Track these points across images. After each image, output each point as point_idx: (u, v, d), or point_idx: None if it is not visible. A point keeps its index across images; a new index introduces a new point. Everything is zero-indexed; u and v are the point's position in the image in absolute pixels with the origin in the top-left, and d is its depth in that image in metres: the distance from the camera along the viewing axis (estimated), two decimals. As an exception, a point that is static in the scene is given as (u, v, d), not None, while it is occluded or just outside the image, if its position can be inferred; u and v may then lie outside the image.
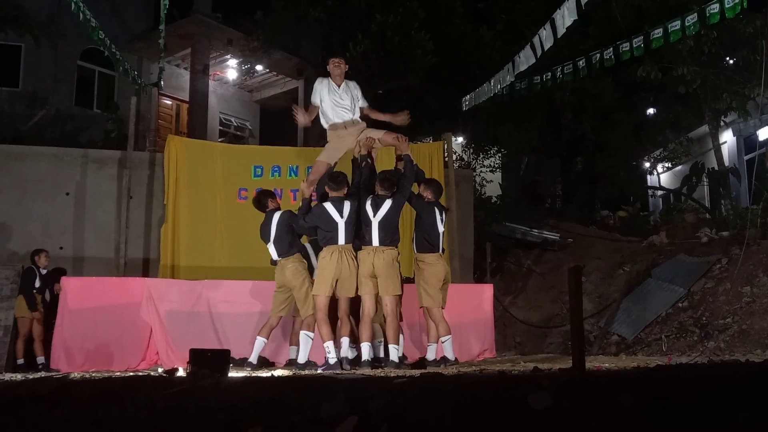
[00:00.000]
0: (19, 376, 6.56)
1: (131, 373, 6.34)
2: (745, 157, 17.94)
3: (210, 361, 5.03)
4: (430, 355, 7.45)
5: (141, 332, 8.15)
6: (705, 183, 17.83)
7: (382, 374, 5.57)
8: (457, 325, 7.84)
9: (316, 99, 7.93)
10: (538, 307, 12.81)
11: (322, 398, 2.79)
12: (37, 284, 9.11)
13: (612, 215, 18.94)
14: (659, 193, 21.73)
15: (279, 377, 5.25)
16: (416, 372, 5.58)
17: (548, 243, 14.48)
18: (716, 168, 16.93)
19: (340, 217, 7.05)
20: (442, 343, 7.28)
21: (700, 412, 2.55)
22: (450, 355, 7.22)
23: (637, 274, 12.00)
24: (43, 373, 7.21)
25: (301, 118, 8.02)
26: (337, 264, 6.96)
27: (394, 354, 6.93)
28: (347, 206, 7.11)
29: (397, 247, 7.20)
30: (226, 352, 5.59)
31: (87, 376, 5.97)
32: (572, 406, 2.59)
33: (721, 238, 12.02)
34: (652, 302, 10.84)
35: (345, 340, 7.02)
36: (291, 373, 6.19)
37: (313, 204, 7.36)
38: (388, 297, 6.98)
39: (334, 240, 7.05)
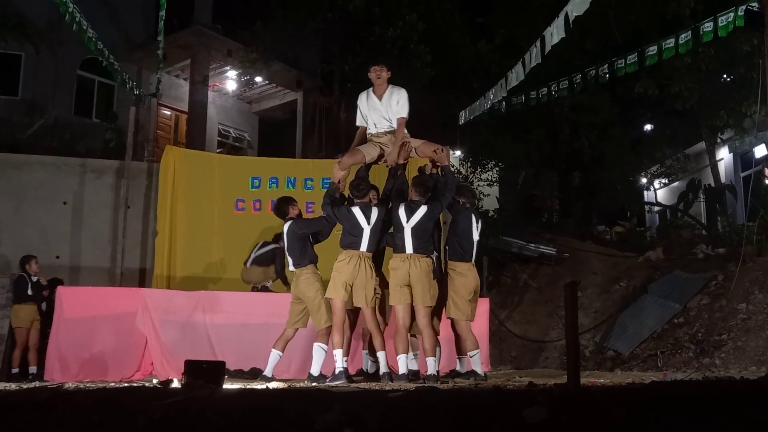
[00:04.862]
0: (13, 386, 6.55)
1: (126, 384, 6.33)
2: (742, 174, 17.99)
3: (205, 373, 5.03)
4: (461, 368, 7.21)
5: (136, 342, 8.13)
6: (701, 199, 17.90)
7: (377, 387, 5.56)
8: (452, 338, 7.73)
9: (360, 121, 7.41)
10: (534, 321, 12.81)
11: (318, 410, 2.80)
12: (30, 292, 9.09)
13: (608, 230, 18.97)
14: (656, 208, 21.75)
15: (274, 389, 5.25)
16: (411, 386, 5.57)
17: (545, 257, 14.49)
18: (713, 184, 17.00)
19: (366, 224, 6.78)
20: (470, 357, 6.96)
21: (693, 427, 2.56)
22: (479, 370, 6.93)
23: (634, 290, 12.03)
24: (37, 383, 7.20)
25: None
26: (354, 269, 6.69)
27: (432, 367, 6.56)
28: (375, 213, 6.83)
29: (430, 256, 6.87)
30: (221, 364, 5.57)
31: (81, 386, 5.96)
32: (567, 420, 2.59)
33: (717, 254, 12.05)
34: (648, 318, 10.85)
35: (382, 354, 6.75)
36: (286, 386, 6.18)
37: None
38: (424, 308, 6.65)
39: (356, 245, 6.77)
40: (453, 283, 7.00)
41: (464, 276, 7.02)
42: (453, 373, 7.20)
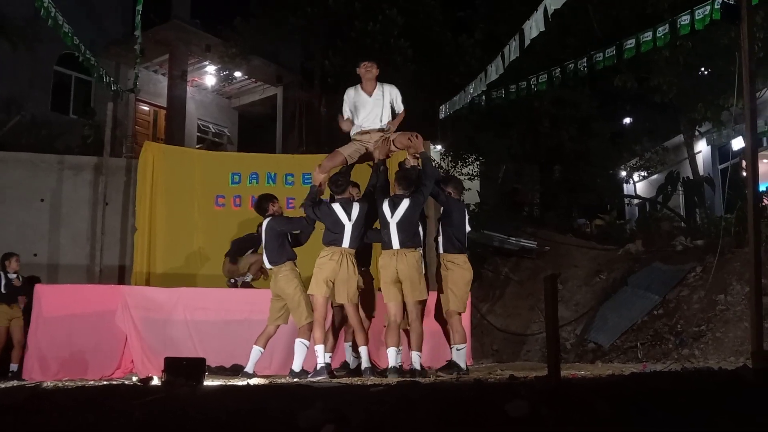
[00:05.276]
0: (-10, 385, 6.48)
1: (105, 382, 6.27)
2: (720, 167, 18.17)
3: (185, 370, 5.00)
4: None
5: (116, 340, 8.05)
6: (680, 192, 18.03)
7: (358, 382, 5.56)
8: (434, 332, 7.72)
9: (346, 112, 7.43)
10: (516, 314, 12.86)
11: (300, 407, 2.78)
12: (2, 290, 8.96)
13: (589, 223, 19.08)
14: (635, 201, 21.92)
15: (255, 386, 5.22)
16: (393, 380, 5.57)
17: (526, 251, 14.54)
18: (691, 177, 17.13)
19: (347, 220, 6.78)
20: (457, 351, 6.95)
21: (676, 420, 2.57)
22: (462, 364, 6.93)
23: (614, 282, 12.10)
24: (15, 382, 7.12)
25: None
26: (336, 265, 6.69)
27: (417, 361, 6.63)
28: (356, 208, 6.84)
29: (418, 249, 6.87)
30: (201, 361, 5.54)
31: (60, 385, 5.90)
32: (549, 414, 2.60)
33: (696, 246, 12.15)
34: (628, 310, 10.93)
35: (364, 350, 6.77)
36: (267, 382, 6.15)
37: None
38: (414, 302, 6.69)
39: (338, 242, 6.76)
40: (452, 276, 7.00)
41: (462, 267, 7.03)
42: (450, 363, 7.20)
